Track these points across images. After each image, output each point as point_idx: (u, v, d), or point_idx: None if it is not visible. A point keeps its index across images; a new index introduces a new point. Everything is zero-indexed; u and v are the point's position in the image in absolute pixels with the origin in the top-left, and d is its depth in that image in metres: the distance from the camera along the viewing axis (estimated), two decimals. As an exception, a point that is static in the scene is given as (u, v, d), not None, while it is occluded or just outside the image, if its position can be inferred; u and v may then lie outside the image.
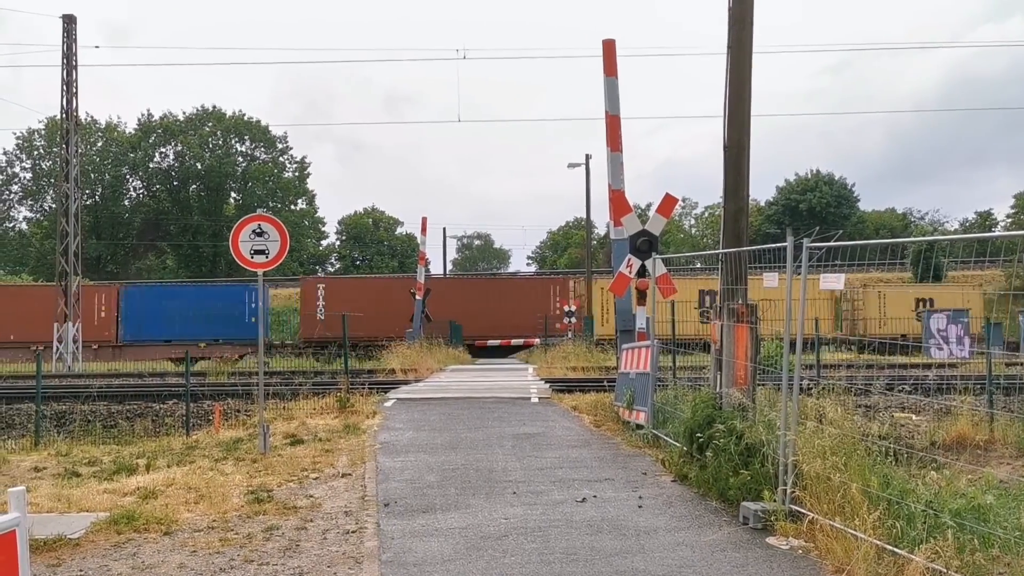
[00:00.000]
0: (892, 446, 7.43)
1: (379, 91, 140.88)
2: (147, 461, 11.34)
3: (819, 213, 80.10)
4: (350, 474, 10.33)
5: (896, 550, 6.12)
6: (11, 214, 79.04)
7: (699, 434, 9.25)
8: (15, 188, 78.89)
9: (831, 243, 7.87)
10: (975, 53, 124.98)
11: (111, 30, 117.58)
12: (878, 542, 6.28)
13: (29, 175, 78.56)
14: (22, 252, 76.39)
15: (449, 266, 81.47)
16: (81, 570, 6.62)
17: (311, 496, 9.14)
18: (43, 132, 76.39)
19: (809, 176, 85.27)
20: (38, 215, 78.45)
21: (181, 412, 19.31)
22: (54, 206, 57.20)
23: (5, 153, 78.28)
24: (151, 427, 19.02)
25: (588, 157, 46.96)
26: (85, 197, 69.71)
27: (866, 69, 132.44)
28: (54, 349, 34.76)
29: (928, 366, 25.36)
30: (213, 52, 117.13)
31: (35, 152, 78.09)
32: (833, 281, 8.04)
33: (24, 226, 79.32)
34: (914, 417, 15.43)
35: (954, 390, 16.25)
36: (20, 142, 77.68)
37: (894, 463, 7.31)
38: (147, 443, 14.16)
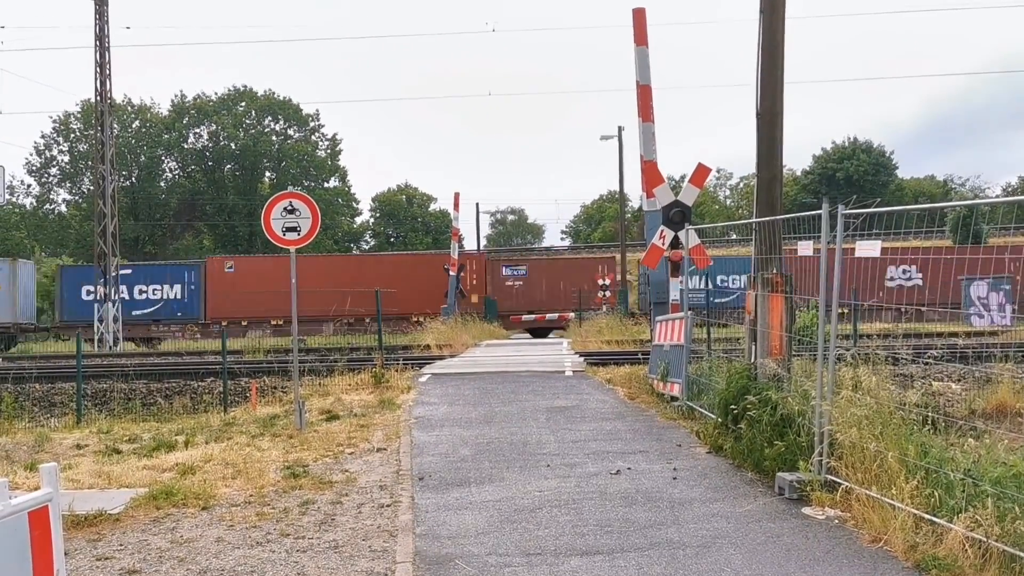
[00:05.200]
0: (930, 414, 7.33)
1: (412, 66, 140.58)
2: (186, 438, 11.50)
3: (856, 181, 78.89)
4: (385, 449, 10.40)
5: (935, 519, 6.05)
6: (50, 196, 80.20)
7: (733, 405, 9.19)
8: (53, 171, 79.97)
9: (867, 210, 7.73)
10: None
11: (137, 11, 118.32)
12: (916, 511, 6.20)
13: (67, 158, 79.57)
14: (62, 234, 77.55)
15: (483, 242, 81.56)
16: (121, 545, 6.73)
17: (346, 471, 9.22)
18: (79, 115, 77.23)
19: (846, 144, 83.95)
20: (76, 197, 79.51)
21: (219, 389, 19.54)
22: (92, 188, 57.92)
23: (43, 136, 79.30)
24: (189, 404, 19.27)
25: (620, 129, 46.62)
26: (122, 179, 70.49)
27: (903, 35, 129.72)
28: (95, 329, 35.32)
29: (968, 334, 24.96)
30: (241, 30, 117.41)
31: (72, 135, 79.02)
32: (869, 249, 7.90)
33: (63, 208, 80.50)
34: (953, 386, 15.21)
35: (994, 358, 15.97)
36: (57, 125, 78.67)
37: (932, 432, 7.21)
38: (186, 420, 14.37)
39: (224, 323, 39.48)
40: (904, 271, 43.45)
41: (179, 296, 41.71)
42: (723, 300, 41.81)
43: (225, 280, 41.57)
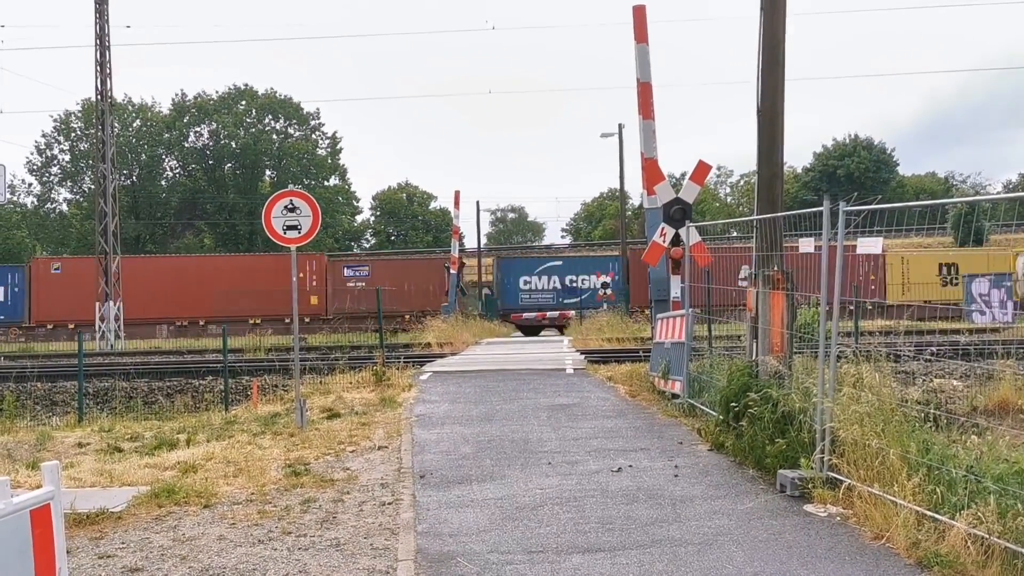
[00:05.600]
0: (932, 411, 7.33)
1: (411, 64, 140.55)
2: (187, 436, 11.50)
3: (857, 179, 78.86)
4: (386, 447, 10.40)
5: (937, 516, 6.05)
6: (52, 195, 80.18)
7: (735, 403, 9.18)
8: (54, 170, 79.93)
9: (868, 207, 7.72)
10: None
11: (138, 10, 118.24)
12: (918, 508, 6.20)
13: (68, 157, 79.53)
14: (63, 233, 77.52)
15: (484, 240, 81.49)
16: (123, 543, 6.73)
17: (348, 469, 9.22)
18: (80, 114, 77.20)
19: (847, 141, 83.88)
20: (78, 196, 79.47)
21: (220, 388, 19.56)
22: (93, 187, 57.88)
23: (44, 135, 79.26)
24: (191, 403, 19.28)
25: (621, 126, 46.57)
26: (122, 177, 70.50)
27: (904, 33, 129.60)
28: (96, 327, 35.32)
29: (969, 331, 24.94)
30: (241, 29, 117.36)
31: (73, 134, 78.98)
32: (870, 246, 7.89)
33: (64, 207, 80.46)
34: (955, 382, 15.20)
35: (996, 355, 15.96)
36: (58, 124, 78.63)
37: (934, 429, 7.21)
38: (187, 418, 14.37)
39: (50, 326, 39.80)
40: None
41: (1, 299, 41.22)
42: (572, 300, 41.87)
43: (52, 282, 40.98)
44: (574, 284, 42.81)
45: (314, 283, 41.88)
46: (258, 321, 40.76)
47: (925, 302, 36.82)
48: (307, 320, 39.66)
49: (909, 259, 41.27)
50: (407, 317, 40.51)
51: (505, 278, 42.44)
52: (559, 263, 44.29)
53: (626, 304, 39.14)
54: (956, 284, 39.52)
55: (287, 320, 39.77)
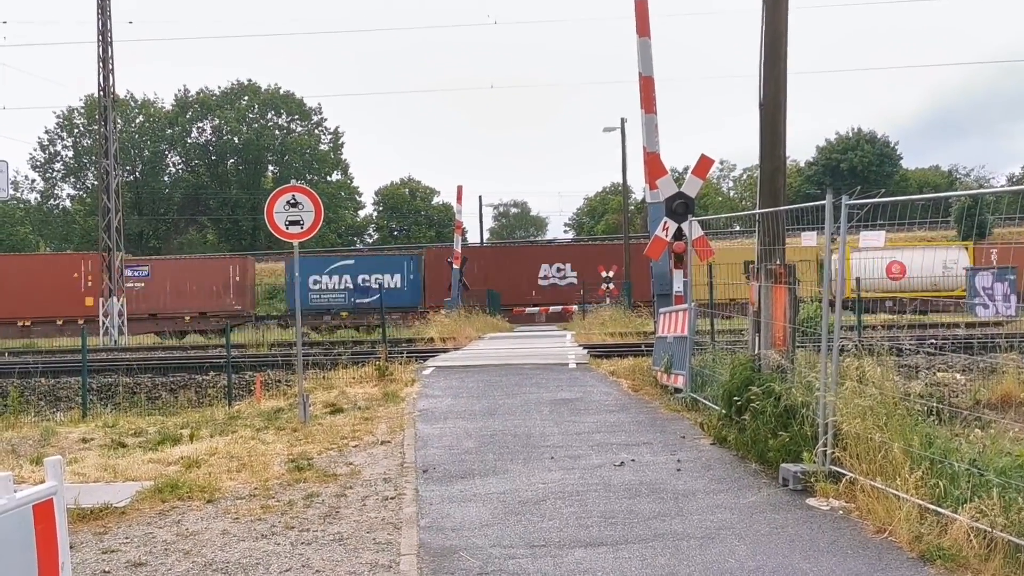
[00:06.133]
0: (934, 405, 7.32)
1: (413, 59, 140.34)
2: (191, 431, 11.51)
3: (861, 172, 78.71)
4: (389, 441, 10.41)
5: (939, 509, 6.04)
6: (55, 192, 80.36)
7: (737, 397, 9.17)
8: (57, 166, 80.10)
9: (871, 200, 7.70)
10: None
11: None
12: (921, 502, 6.19)
13: (71, 153, 79.66)
14: (67, 229, 77.70)
15: (486, 235, 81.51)
16: (127, 537, 6.75)
17: (351, 463, 9.23)
18: (82, 110, 77.26)
19: (850, 135, 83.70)
20: (81, 192, 79.62)
21: (223, 383, 19.59)
22: (96, 183, 57.93)
23: (47, 132, 79.38)
24: (194, 398, 19.33)
25: (623, 121, 46.52)
26: (125, 173, 70.62)
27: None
28: (100, 323, 35.38)
29: (972, 325, 24.91)
30: (243, 25, 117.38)
31: (75, 130, 79.08)
32: (873, 239, 7.89)
33: (68, 203, 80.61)
34: (958, 376, 15.18)
35: (999, 348, 15.94)
36: (60, 120, 78.74)
37: (937, 422, 7.20)
38: (190, 414, 14.40)
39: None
40: (559, 269, 43.17)
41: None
42: (365, 300, 41.67)
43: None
44: (367, 284, 42.63)
45: (89, 283, 40.30)
46: (28, 323, 40.16)
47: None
48: (81, 321, 38.15)
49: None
50: (187, 318, 40.67)
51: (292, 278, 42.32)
52: (351, 262, 44.14)
53: (628, 299, 39.16)
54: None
55: (59, 322, 39.79)
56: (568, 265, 44.26)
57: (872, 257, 35.85)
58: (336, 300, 42.65)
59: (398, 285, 42.84)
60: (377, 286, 42.15)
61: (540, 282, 44.02)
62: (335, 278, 42.95)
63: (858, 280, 26.32)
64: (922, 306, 31.87)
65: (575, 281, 42.84)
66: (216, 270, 43.10)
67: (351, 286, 42.66)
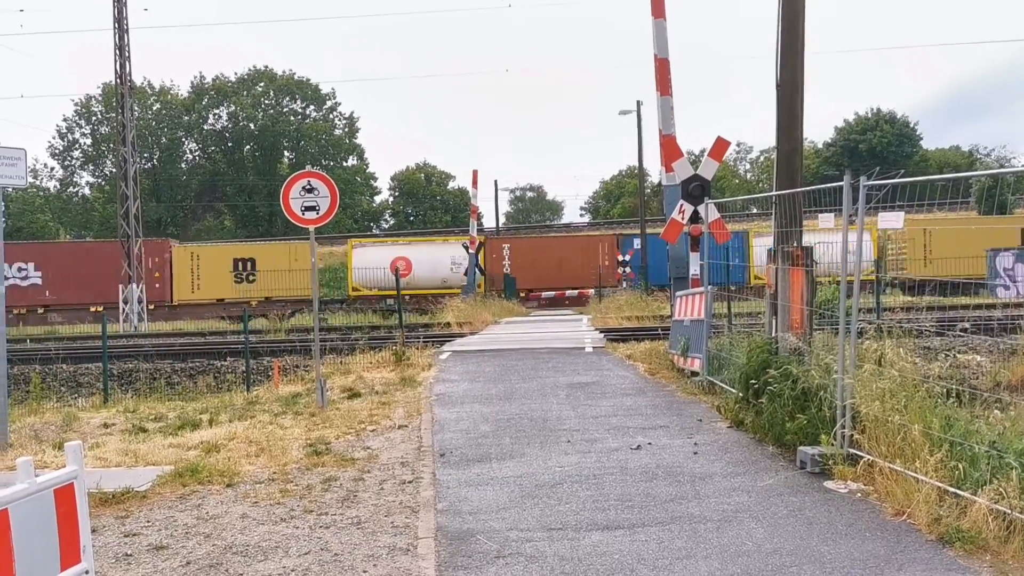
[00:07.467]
0: (954, 387, 7.26)
1: (428, 44, 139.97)
2: (210, 416, 11.60)
3: (880, 153, 77.91)
4: (406, 426, 10.46)
5: (959, 492, 6.01)
6: (74, 179, 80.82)
7: (754, 380, 9.14)
8: (76, 154, 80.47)
9: (890, 181, 7.63)
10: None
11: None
12: (940, 484, 6.16)
13: (89, 141, 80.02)
14: (86, 216, 78.15)
15: (502, 219, 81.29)
16: (148, 521, 6.82)
17: (368, 448, 9.27)
18: (100, 98, 77.57)
19: (869, 115, 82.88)
20: (99, 180, 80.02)
21: (242, 369, 19.71)
22: (114, 171, 58.25)
23: (65, 120, 79.74)
24: (213, 383, 19.49)
25: (639, 103, 46.27)
26: (143, 161, 70.87)
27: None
28: (120, 310, 35.66)
29: (992, 306, 24.70)
30: (257, 10, 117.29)
31: (93, 118, 79.41)
32: (892, 220, 7.82)
33: (87, 191, 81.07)
34: (979, 358, 15.04)
35: (1020, 329, 15.81)
36: (79, 108, 79.07)
37: (956, 404, 7.15)
38: (209, 399, 14.50)
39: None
40: (20, 269, 40.81)
41: None
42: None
43: None
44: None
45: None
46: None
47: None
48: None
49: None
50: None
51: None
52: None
53: (646, 283, 39.07)
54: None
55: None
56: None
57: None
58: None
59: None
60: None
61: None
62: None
63: (877, 262, 26.13)
64: (942, 289, 31.58)
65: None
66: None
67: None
